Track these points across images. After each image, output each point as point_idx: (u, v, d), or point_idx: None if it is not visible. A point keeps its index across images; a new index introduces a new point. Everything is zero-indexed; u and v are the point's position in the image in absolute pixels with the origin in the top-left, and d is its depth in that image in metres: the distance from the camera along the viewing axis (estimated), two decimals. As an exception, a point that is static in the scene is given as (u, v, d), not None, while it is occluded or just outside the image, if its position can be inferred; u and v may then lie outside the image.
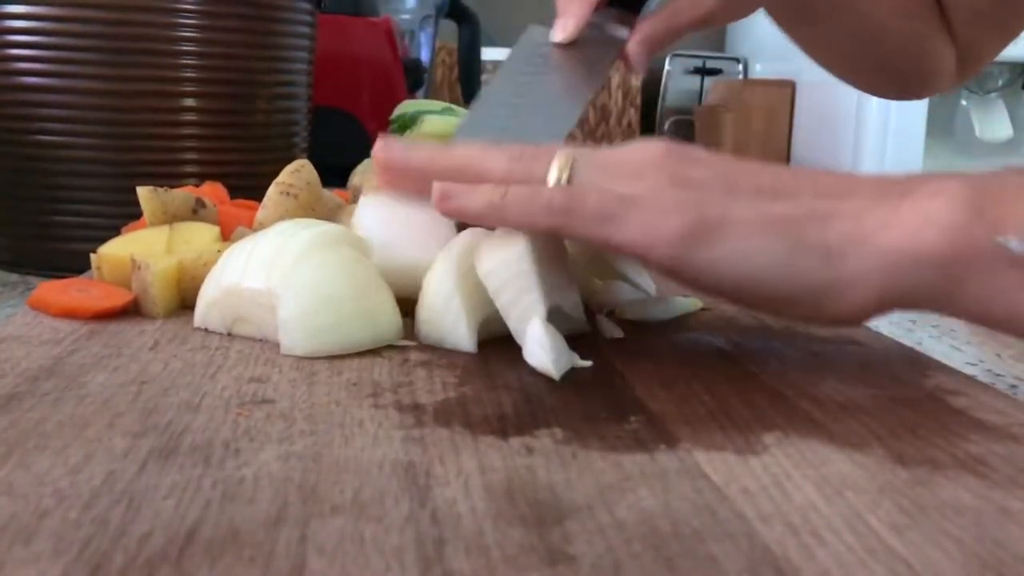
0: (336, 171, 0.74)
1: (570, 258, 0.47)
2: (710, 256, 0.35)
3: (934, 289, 0.34)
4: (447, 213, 0.41)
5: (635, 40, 0.53)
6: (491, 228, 0.41)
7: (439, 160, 0.42)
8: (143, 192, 0.53)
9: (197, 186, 0.61)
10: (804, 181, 0.37)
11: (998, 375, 0.49)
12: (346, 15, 1.18)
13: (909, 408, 0.36)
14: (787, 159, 2.04)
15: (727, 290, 0.36)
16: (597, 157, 0.39)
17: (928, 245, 0.33)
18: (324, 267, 0.42)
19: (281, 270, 0.42)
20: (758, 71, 2.13)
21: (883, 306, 0.36)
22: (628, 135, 2.29)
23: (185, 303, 0.48)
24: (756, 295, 0.36)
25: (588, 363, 0.41)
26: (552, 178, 0.38)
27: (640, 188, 0.37)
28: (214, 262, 0.46)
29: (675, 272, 0.37)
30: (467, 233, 0.44)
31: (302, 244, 0.43)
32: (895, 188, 0.36)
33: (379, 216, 0.48)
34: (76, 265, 0.58)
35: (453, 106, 0.71)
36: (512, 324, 0.42)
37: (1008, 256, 0.33)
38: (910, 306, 0.36)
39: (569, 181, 0.38)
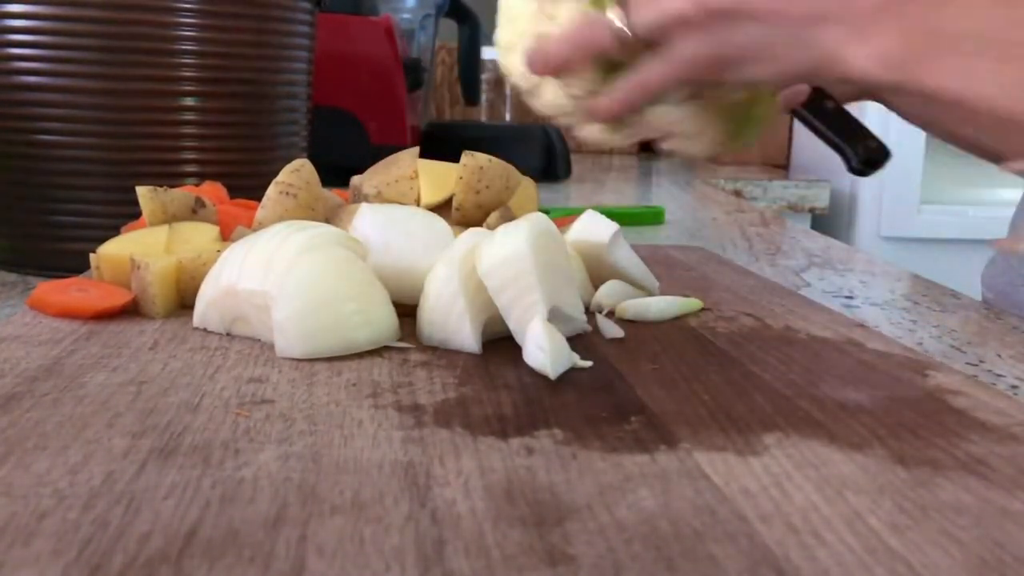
0: (336, 171, 0.74)
1: (570, 258, 0.47)
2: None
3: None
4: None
5: None
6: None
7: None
8: (142, 192, 0.53)
9: (197, 186, 0.61)
10: None
11: (999, 375, 0.49)
12: (346, 14, 1.18)
13: (909, 408, 0.36)
14: (787, 156, 2.05)
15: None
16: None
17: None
18: (319, 269, 0.42)
19: (276, 272, 0.42)
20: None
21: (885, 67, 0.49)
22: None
23: (184, 303, 0.48)
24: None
25: (588, 363, 0.41)
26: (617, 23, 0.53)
27: None
28: (213, 262, 0.46)
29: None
30: (468, 234, 0.44)
31: (297, 246, 0.43)
32: None
33: (378, 221, 0.48)
34: (75, 265, 0.58)
35: None
36: (512, 324, 0.42)
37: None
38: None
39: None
